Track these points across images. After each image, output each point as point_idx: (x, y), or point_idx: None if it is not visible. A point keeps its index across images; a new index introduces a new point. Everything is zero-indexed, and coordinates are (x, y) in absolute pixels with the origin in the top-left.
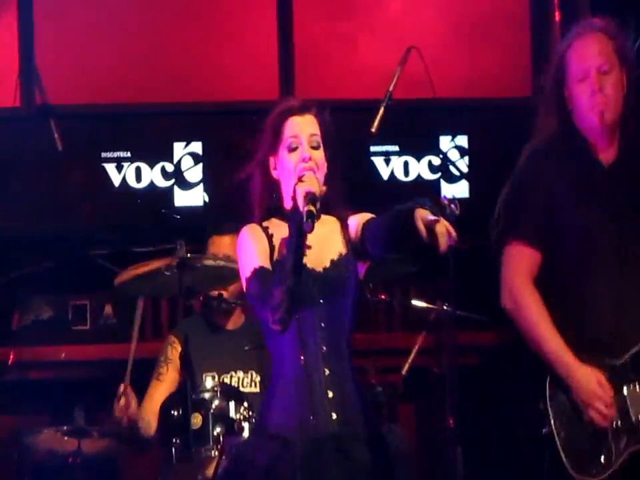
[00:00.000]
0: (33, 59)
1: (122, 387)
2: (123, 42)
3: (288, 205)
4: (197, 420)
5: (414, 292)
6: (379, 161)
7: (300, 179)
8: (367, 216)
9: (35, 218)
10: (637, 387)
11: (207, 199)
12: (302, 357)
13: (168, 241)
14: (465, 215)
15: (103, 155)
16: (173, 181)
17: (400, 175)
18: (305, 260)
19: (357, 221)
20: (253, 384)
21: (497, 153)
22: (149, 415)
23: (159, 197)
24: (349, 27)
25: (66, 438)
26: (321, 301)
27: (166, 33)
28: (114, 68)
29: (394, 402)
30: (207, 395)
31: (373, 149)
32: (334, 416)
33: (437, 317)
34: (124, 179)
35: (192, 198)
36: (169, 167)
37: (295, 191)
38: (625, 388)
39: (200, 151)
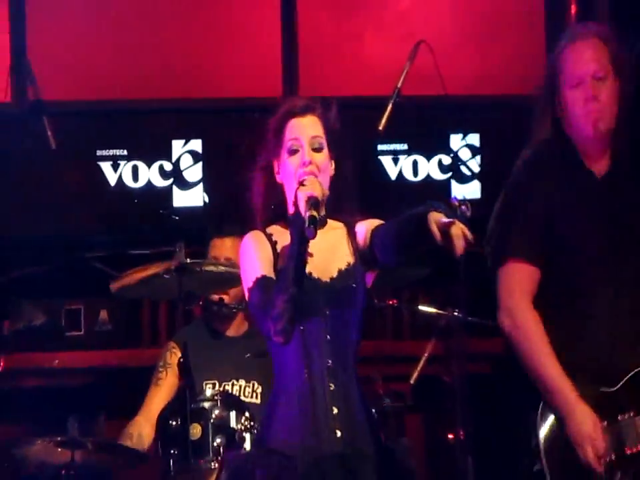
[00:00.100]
0: (25, 52)
1: None
2: (119, 35)
3: (291, 210)
4: (196, 430)
5: (423, 297)
6: (386, 160)
7: (302, 183)
8: (375, 222)
9: (27, 219)
10: (632, 415)
11: (206, 200)
12: (306, 371)
13: (166, 243)
14: (476, 216)
15: (99, 153)
16: (171, 180)
17: (409, 175)
18: (311, 269)
19: (365, 228)
20: (255, 395)
21: (509, 152)
22: (143, 427)
23: (156, 197)
24: (355, 20)
25: (59, 449)
26: (327, 312)
27: (165, 26)
28: (110, 62)
29: (402, 412)
30: (206, 404)
31: (380, 147)
32: (338, 434)
33: (447, 323)
34: (120, 178)
35: (191, 198)
36: (167, 166)
37: (296, 196)
38: (619, 417)
39: (200, 149)
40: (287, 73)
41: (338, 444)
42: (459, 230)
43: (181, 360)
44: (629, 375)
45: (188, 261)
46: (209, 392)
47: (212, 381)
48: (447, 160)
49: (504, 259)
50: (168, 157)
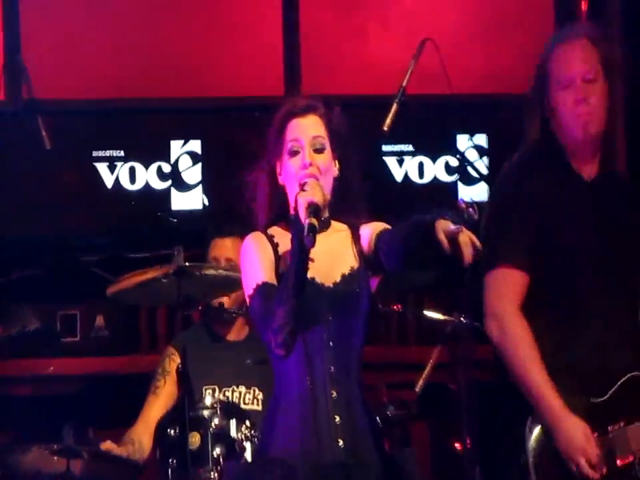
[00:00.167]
0: (19, 49)
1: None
2: (116, 32)
3: (292, 213)
4: (194, 439)
5: (429, 302)
6: (391, 162)
7: (302, 188)
8: (380, 225)
9: (21, 221)
10: (623, 425)
11: (206, 202)
12: (308, 378)
13: (164, 246)
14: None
15: (95, 153)
16: (169, 182)
17: (414, 177)
18: (314, 273)
19: (369, 231)
20: (256, 401)
21: None
22: (143, 435)
23: (154, 200)
24: (359, 17)
25: (55, 458)
26: (330, 318)
27: (163, 22)
28: (106, 60)
29: (406, 421)
30: (206, 413)
31: (385, 148)
32: (340, 443)
33: (454, 329)
34: (117, 179)
35: (190, 200)
36: (166, 167)
37: (296, 201)
38: (610, 427)
39: (199, 150)
40: (288, 71)
41: (340, 453)
42: (467, 238)
43: (180, 367)
44: (619, 383)
45: (187, 264)
46: (208, 399)
47: (212, 387)
48: (453, 161)
49: (492, 265)
50: (166, 158)
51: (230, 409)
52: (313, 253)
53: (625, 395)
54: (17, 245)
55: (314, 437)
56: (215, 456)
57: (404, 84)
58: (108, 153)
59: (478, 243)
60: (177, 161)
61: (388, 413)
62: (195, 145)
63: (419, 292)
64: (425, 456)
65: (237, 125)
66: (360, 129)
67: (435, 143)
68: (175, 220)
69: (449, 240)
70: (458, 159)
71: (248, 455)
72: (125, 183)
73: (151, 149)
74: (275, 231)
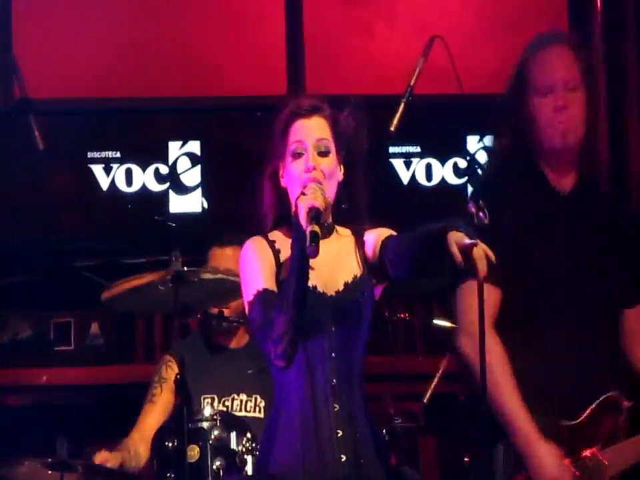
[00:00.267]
0: (11, 47)
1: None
2: (111, 29)
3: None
4: (193, 452)
5: (437, 310)
6: (398, 163)
7: (302, 192)
8: (385, 231)
9: (13, 225)
10: (596, 450)
11: (205, 205)
12: (309, 390)
13: (162, 251)
14: None
15: (90, 155)
16: (167, 184)
17: (422, 179)
18: (315, 282)
19: (374, 237)
20: (258, 409)
21: None
22: (139, 444)
23: (152, 203)
24: (365, 14)
25: (49, 472)
26: (333, 328)
27: (161, 19)
28: (101, 58)
29: (414, 433)
30: (205, 424)
31: (392, 149)
32: (343, 458)
33: None
34: (113, 182)
35: (189, 203)
36: (164, 169)
37: (296, 206)
38: (584, 453)
39: (198, 152)
40: (291, 69)
41: (343, 468)
42: (481, 251)
43: (178, 376)
44: (592, 406)
45: (185, 269)
46: (207, 410)
47: (211, 396)
48: (462, 163)
49: (467, 280)
50: (164, 159)
51: (230, 421)
52: (315, 260)
53: (599, 417)
54: (8, 250)
55: (315, 451)
56: (215, 469)
57: (412, 83)
58: (103, 154)
59: (492, 256)
60: (175, 162)
61: (395, 425)
62: (194, 146)
63: (428, 299)
64: (433, 470)
65: (237, 125)
66: (366, 130)
67: (444, 145)
68: (173, 224)
69: (462, 253)
70: (467, 161)
71: (249, 469)
72: (121, 185)
73: (148, 150)
74: (276, 235)
